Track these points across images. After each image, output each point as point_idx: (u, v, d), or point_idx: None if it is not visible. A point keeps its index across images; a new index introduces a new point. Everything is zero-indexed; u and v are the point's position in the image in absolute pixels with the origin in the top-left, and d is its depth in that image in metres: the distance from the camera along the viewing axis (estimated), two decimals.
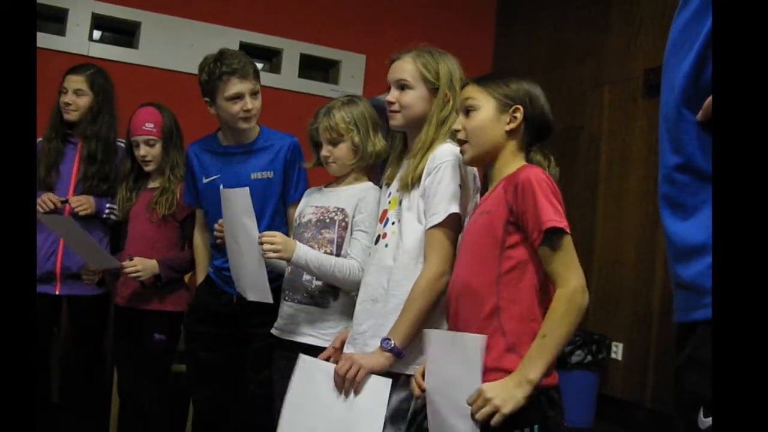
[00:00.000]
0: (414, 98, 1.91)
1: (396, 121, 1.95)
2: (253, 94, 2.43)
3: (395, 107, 1.93)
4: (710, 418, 1.04)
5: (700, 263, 1.11)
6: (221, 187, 2.33)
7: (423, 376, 1.65)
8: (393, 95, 1.93)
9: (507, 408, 1.44)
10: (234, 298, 2.42)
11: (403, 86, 1.92)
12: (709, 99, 1.10)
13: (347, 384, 1.79)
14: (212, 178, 2.52)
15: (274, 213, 2.49)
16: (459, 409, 1.51)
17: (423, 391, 1.64)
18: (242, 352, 2.48)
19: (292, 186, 2.50)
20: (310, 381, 1.89)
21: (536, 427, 1.48)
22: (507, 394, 1.45)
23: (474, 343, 1.51)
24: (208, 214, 2.56)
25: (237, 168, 2.49)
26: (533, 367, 1.46)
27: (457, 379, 1.52)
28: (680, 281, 1.17)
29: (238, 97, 2.39)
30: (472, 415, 1.48)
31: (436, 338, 1.63)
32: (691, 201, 1.15)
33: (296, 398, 1.90)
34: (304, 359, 1.94)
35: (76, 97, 2.84)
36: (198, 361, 2.57)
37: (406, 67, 1.92)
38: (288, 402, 1.91)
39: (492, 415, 1.45)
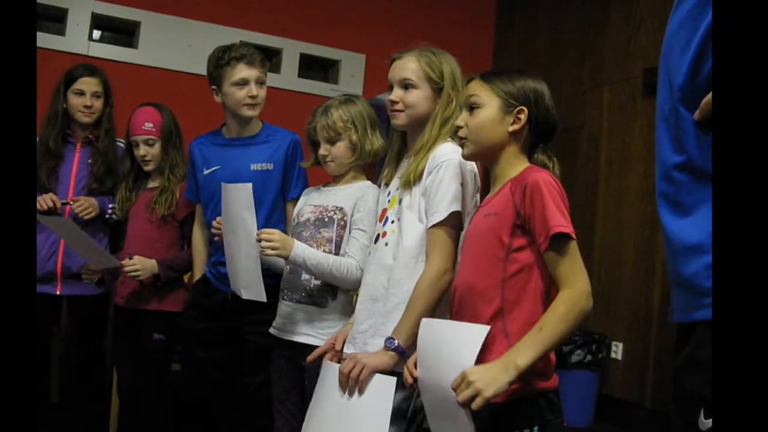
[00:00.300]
0: (419, 98, 1.90)
1: (399, 120, 1.93)
2: (260, 82, 2.46)
3: (399, 106, 1.91)
4: (711, 420, 1.04)
5: (698, 262, 1.11)
6: (222, 183, 2.33)
7: (415, 365, 1.61)
8: (396, 94, 1.91)
9: (489, 391, 1.38)
10: (228, 296, 2.41)
11: (407, 85, 1.90)
12: (706, 98, 1.10)
13: (351, 383, 1.78)
14: (213, 169, 2.53)
15: (273, 207, 2.49)
16: (451, 399, 1.46)
17: (415, 380, 1.61)
18: (240, 351, 2.48)
19: (293, 181, 2.50)
20: (323, 383, 1.89)
21: (536, 428, 1.47)
22: (490, 378, 1.39)
23: (479, 332, 1.46)
24: (207, 208, 2.56)
25: (237, 158, 2.50)
26: (523, 354, 1.41)
27: (452, 368, 1.47)
28: (678, 280, 1.17)
29: (245, 82, 2.43)
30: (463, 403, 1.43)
31: (434, 327, 1.58)
32: (690, 200, 1.15)
33: (314, 400, 1.92)
34: (327, 363, 1.94)
35: (96, 99, 2.85)
36: (195, 360, 2.57)
37: (410, 66, 1.91)
38: (311, 404, 1.92)
39: (474, 398, 1.39)
